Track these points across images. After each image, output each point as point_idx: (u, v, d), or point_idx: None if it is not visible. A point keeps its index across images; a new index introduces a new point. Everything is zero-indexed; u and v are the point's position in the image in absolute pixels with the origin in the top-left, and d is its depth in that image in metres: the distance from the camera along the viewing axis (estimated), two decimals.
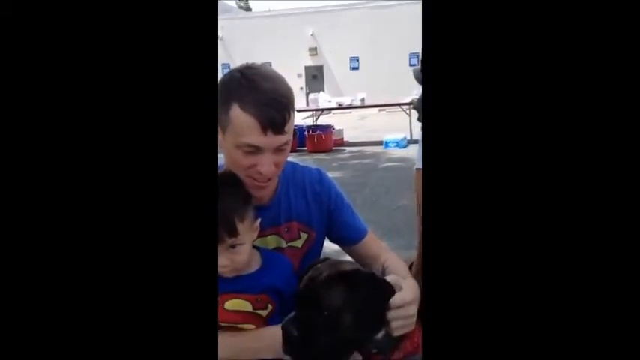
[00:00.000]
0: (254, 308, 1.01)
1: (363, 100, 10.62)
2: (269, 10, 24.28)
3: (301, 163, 1.25)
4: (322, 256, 1.10)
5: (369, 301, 0.88)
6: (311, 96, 11.14)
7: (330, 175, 1.28)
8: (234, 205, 0.97)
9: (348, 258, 1.22)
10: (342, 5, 20.25)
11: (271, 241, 1.15)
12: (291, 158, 1.13)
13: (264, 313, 1.02)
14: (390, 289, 0.91)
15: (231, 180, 1.02)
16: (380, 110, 14.89)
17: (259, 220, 1.05)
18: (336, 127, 9.89)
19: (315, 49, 20.51)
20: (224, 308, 0.99)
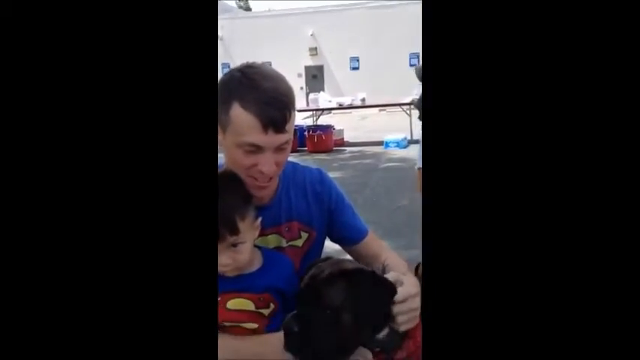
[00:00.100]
0: (256, 307, 1.01)
1: (363, 100, 10.63)
2: (269, 10, 24.32)
3: (302, 163, 1.26)
4: (323, 256, 1.10)
5: (370, 300, 0.89)
6: (311, 96, 11.14)
7: (331, 175, 1.28)
8: (234, 204, 0.97)
9: (349, 257, 1.22)
10: (342, 5, 20.25)
11: (272, 241, 1.15)
12: (292, 158, 1.13)
13: (266, 312, 1.02)
14: (391, 288, 0.92)
15: (232, 179, 1.02)
16: (380, 110, 14.89)
17: (260, 219, 1.05)
18: (337, 127, 9.89)
19: (316, 49, 20.51)
20: (227, 308, 1.00)
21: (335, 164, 7.64)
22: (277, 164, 1.03)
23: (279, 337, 0.92)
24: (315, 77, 20.65)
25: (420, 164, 2.48)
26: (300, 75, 20.07)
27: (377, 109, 14.18)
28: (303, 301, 0.91)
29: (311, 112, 10.97)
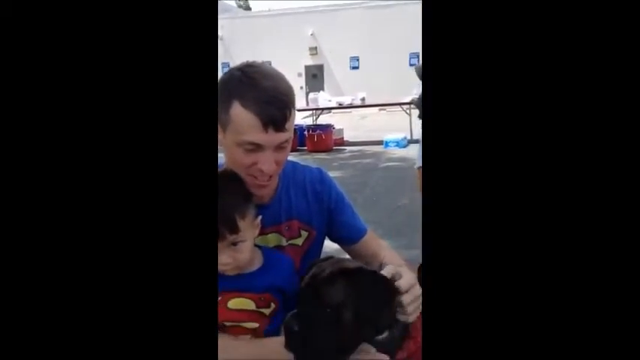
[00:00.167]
0: (257, 307, 1.01)
1: (363, 99, 10.62)
2: (269, 10, 24.28)
3: (302, 163, 1.26)
4: (324, 256, 1.10)
5: (371, 299, 0.89)
6: (311, 95, 11.13)
7: (331, 174, 1.28)
8: (234, 203, 0.97)
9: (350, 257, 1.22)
10: (342, 5, 20.23)
11: (272, 240, 1.15)
12: (292, 158, 1.13)
13: (267, 311, 1.02)
14: (392, 289, 0.92)
15: (232, 178, 1.02)
16: (380, 110, 14.89)
17: (260, 217, 1.05)
18: (336, 127, 9.89)
19: (315, 48, 20.50)
20: (227, 307, 1.00)
21: (335, 164, 7.64)
22: (277, 163, 1.03)
23: (279, 340, 0.92)
24: (314, 77, 20.63)
25: (419, 163, 2.48)
26: (299, 74, 20.06)
27: (377, 108, 14.19)
28: (304, 300, 0.91)
29: (311, 112, 10.96)
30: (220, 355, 0.71)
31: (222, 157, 1.05)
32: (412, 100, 8.21)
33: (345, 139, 10.09)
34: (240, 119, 0.96)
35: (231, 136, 0.99)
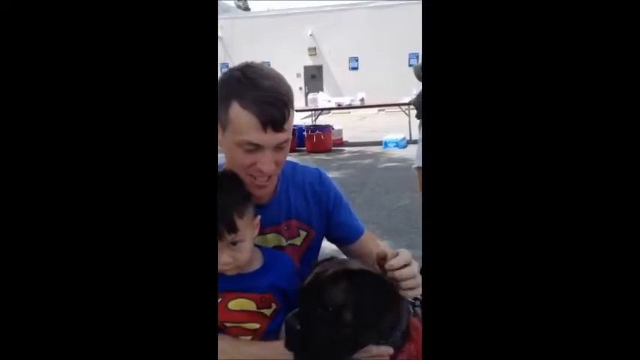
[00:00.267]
0: (258, 307, 1.01)
1: (362, 100, 10.63)
2: (268, 10, 24.30)
3: (301, 163, 1.26)
4: (325, 256, 1.10)
5: (373, 300, 0.89)
6: (310, 96, 11.14)
7: (330, 175, 1.29)
8: (233, 202, 0.97)
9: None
10: (341, 5, 20.24)
11: (271, 240, 1.15)
12: (291, 158, 1.13)
13: (268, 312, 1.02)
14: (394, 290, 0.92)
15: (231, 178, 1.02)
16: (379, 110, 14.89)
17: (259, 217, 1.05)
18: (336, 127, 9.90)
19: (315, 49, 20.50)
20: (228, 308, 1.00)
21: (334, 164, 7.64)
22: (276, 163, 1.03)
23: (280, 343, 0.92)
24: (314, 77, 20.63)
25: (417, 163, 2.48)
26: (299, 75, 20.05)
27: (376, 109, 14.19)
28: (306, 300, 0.91)
29: (310, 112, 10.97)
30: (220, 356, 0.71)
31: (221, 159, 1.05)
32: (411, 100, 8.22)
33: (344, 139, 10.10)
34: (240, 119, 0.96)
35: (231, 136, 0.99)
